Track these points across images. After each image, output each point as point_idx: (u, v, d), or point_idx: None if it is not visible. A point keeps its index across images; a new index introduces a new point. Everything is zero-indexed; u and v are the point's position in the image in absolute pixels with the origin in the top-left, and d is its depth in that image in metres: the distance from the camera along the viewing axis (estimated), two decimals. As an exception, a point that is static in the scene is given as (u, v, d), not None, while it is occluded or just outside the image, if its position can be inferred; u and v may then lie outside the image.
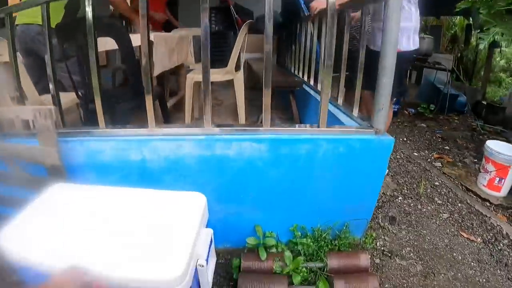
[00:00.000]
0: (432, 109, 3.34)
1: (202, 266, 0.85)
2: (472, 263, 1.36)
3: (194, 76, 2.03)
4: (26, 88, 1.36)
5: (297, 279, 1.15)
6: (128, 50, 1.53)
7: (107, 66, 2.82)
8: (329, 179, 1.25)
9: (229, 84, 2.18)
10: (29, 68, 1.75)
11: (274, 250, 1.26)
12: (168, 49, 2.01)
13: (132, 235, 0.87)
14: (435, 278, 1.27)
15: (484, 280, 1.27)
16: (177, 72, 2.67)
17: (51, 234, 0.89)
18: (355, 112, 1.47)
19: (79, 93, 1.60)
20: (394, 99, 2.15)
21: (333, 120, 1.51)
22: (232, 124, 1.21)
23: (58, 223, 0.94)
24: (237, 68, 2.12)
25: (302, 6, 2.40)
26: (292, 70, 2.69)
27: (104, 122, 1.19)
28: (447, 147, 2.55)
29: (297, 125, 1.24)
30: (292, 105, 2.18)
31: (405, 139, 2.78)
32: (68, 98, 1.65)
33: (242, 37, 1.97)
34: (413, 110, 3.43)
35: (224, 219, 1.25)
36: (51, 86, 1.22)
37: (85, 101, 1.50)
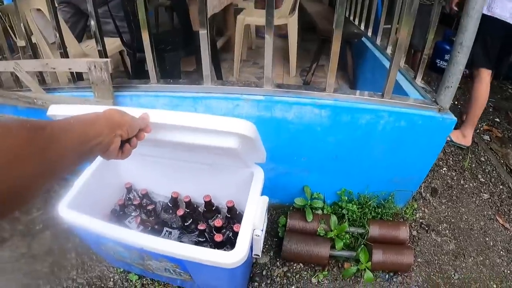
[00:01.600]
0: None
1: (258, 236, 0.89)
2: (501, 252, 1.37)
3: (245, 18, 1.85)
4: (66, 39, 1.30)
5: (339, 244, 1.21)
6: (182, 11, 1.39)
7: (148, 1, 2.60)
8: (384, 150, 1.21)
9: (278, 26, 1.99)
10: (65, 15, 1.66)
11: (319, 211, 1.31)
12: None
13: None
14: (464, 260, 1.31)
15: (509, 271, 1.29)
16: (224, 10, 2.45)
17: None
18: (419, 79, 1.35)
19: (124, 39, 1.52)
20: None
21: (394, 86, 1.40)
22: (294, 85, 1.12)
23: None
24: (291, 10, 1.90)
25: None
26: (347, 15, 2.41)
27: (156, 78, 1.15)
28: (497, 119, 2.39)
29: (360, 92, 1.14)
30: (348, 59, 2.01)
31: (455, 102, 2.61)
32: (112, 45, 1.58)
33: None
34: (466, 71, 3.12)
35: (274, 177, 1.27)
36: (96, 34, 1.15)
37: (131, 48, 1.44)
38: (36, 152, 0.34)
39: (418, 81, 1.35)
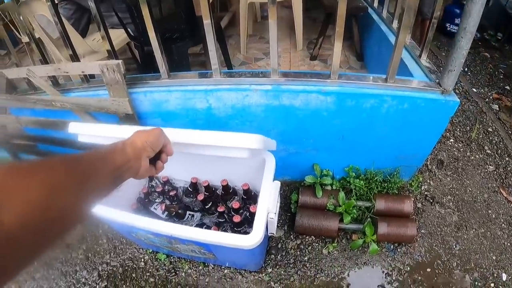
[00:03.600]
0: (500, 37, 2.98)
1: (272, 218, 1.02)
2: (503, 224, 1.48)
3: None
4: (73, 39, 1.37)
5: (347, 219, 1.35)
6: (188, 4, 1.43)
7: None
8: (388, 130, 1.30)
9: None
10: (67, 12, 1.70)
11: (329, 187, 1.44)
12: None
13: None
14: (466, 232, 1.44)
15: (509, 244, 1.41)
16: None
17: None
18: (424, 57, 1.39)
19: (130, 32, 1.58)
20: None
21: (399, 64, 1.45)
22: (299, 73, 1.20)
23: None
24: None
25: None
26: None
27: (166, 73, 1.23)
28: (507, 87, 2.41)
29: (363, 77, 1.21)
30: (354, 32, 2.03)
31: (466, 69, 2.63)
32: (119, 38, 1.64)
33: None
34: (478, 35, 3.08)
35: (285, 156, 1.39)
36: (100, 30, 1.22)
37: (138, 42, 1.50)
38: (74, 184, 0.38)
39: (424, 59, 1.40)
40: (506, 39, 2.94)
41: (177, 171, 1.35)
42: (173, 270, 1.40)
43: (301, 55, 2.20)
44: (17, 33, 2.29)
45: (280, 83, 1.18)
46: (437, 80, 1.23)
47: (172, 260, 1.43)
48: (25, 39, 2.34)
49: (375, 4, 1.92)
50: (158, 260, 1.44)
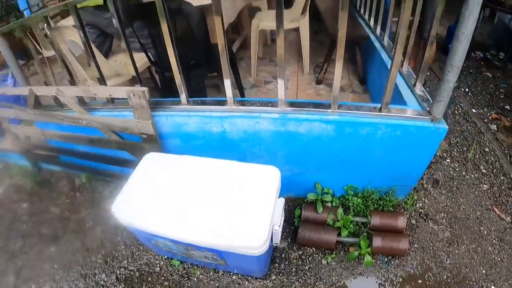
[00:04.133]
0: (502, 57, 3.24)
1: (277, 230, 1.28)
2: (494, 240, 1.70)
3: (260, 23, 2.16)
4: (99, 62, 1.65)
5: (344, 232, 1.61)
6: (203, 32, 1.72)
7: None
8: (383, 154, 1.56)
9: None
10: (91, 35, 1.99)
11: (329, 204, 1.70)
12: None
13: (222, 204, 1.29)
14: (458, 247, 1.67)
15: (499, 259, 1.62)
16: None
17: (154, 202, 1.34)
18: (418, 85, 1.65)
19: (150, 57, 1.86)
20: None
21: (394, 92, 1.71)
22: (303, 103, 1.47)
23: (158, 191, 1.38)
24: (303, 11, 2.19)
25: None
26: (358, 7, 2.65)
27: (186, 99, 1.51)
28: (507, 107, 2.65)
29: (360, 107, 1.47)
30: (357, 58, 2.29)
31: (467, 89, 2.88)
32: (141, 61, 1.93)
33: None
34: (481, 54, 3.34)
35: (290, 176, 1.65)
36: (127, 54, 1.50)
37: (159, 67, 1.79)
38: None
39: (418, 87, 1.65)
40: (508, 58, 3.20)
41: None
42: (186, 275, 1.66)
43: (308, 79, 2.49)
44: (37, 46, 2.60)
45: (286, 112, 1.45)
46: (428, 109, 1.48)
47: (185, 266, 1.69)
48: (45, 53, 2.66)
49: (377, 31, 2.19)
50: (173, 266, 1.70)
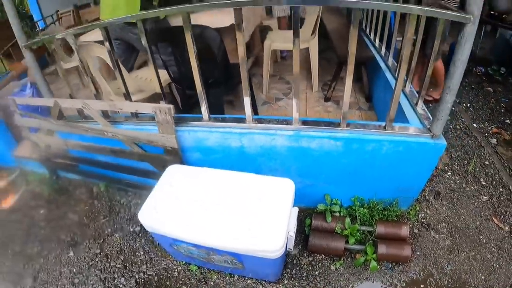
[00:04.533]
0: (503, 72, 3.52)
1: (291, 236, 1.51)
2: (493, 248, 1.92)
3: (272, 44, 2.42)
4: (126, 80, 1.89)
5: (352, 240, 1.83)
6: (222, 53, 1.97)
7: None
8: (387, 167, 1.79)
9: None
10: (117, 50, 2.24)
11: (337, 214, 1.93)
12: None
13: (242, 213, 1.52)
14: (458, 255, 1.89)
15: (497, 266, 1.84)
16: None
17: (178, 210, 1.56)
18: (420, 104, 1.90)
19: (171, 74, 2.11)
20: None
21: (398, 111, 1.96)
22: (316, 122, 1.71)
23: (182, 200, 1.61)
24: (312, 32, 2.45)
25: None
26: (364, 26, 2.92)
27: (207, 116, 1.75)
28: (508, 121, 2.91)
29: (366, 125, 1.71)
30: (363, 77, 2.55)
31: (468, 105, 3.14)
32: (162, 78, 2.16)
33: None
34: (482, 69, 3.62)
35: (301, 188, 1.87)
36: (149, 72, 1.74)
37: (180, 85, 2.03)
38: None
39: (419, 106, 1.90)
40: (509, 73, 3.47)
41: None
42: (203, 280, 1.88)
43: (316, 96, 2.75)
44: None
45: (300, 129, 1.69)
46: (428, 126, 1.72)
47: (202, 271, 1.91)
48: (67, 65, 2.89)
49: (382, 51, 2.45)
50: (190, 271, 1.92)
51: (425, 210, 2.12)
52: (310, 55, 2.50)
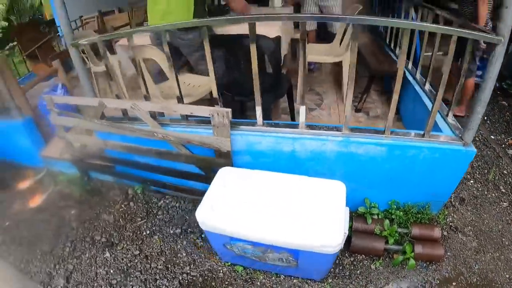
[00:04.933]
0: (516, 86, 4.06)
1: (345, 233, 1.85)
2: None
3: (308, 56, 2.78)
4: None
5: (391, 240, 2.19)
6: (275, 61, 2.31)
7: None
8: (423, 173, 2.17)
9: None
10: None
11: (376, 216, 2.29)
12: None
13: (298, 211, 1.85)
14: (484, 255, 2.29)
15: None
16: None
17: (235, 210, 1.87)
18: (450, 116, 2.31)
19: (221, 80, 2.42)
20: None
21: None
22: (363, 129, 2.07)
23: (238, 200, 1.92)
24: (346, 47, 2.84)
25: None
26: (387, 41, 3.36)
27: (261, 121, 2.08)
28: (525, 132, 3.40)
29: (407, 133, 2.09)
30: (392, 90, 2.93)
31: (485, 118, 3.62)
32: (207, 85, 2.48)
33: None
34: (497, 84, 4.14)
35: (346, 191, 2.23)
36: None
37: (230, 91, 2.35)
38: None
39: (450, 117, 2.30)
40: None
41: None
42: (249, 280, 2.18)
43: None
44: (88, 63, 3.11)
45: (349, 136, 2.04)
46: (460, 135, 2.12)
47: (248, 271, 2.21)
48: (93, 68, 3.16)
49: (409, 66, 2.88)
50: (236, 271, 2.21)
51: (452, 214, 2.51)
52: (342, 68, 2.89)
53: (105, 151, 2.53)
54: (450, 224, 2.45)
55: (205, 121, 2.21)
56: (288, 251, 1.86)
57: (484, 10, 2.83)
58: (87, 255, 2.40)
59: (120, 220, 2.56)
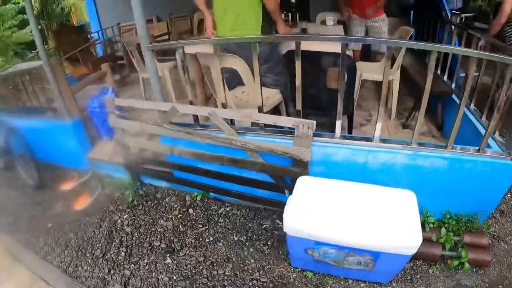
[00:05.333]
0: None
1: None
2: None
3: (362, 74, 3.24)
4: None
5: (447, 247, 2.66)
6: (352, 81, 2.72)
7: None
8: (474, 184, 2.67)
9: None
10: None
11: (431, 225, 2.75)
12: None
13: (378, 217, 2.27)
14: (525, 262, 2.84)
15: None
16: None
17: (319, 216, 2.26)
18: (497, 133, 2.84)
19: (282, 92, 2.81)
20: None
21: (478, 138, 2.87)
22: (429, 144, 2.53)
23: (321, 207, 2.30)
24: (397, 66, 3.32)
25: (445, 7, 3.55)
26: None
27: (340, 134, 2.49)
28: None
29: (465, 149, 2.58)
30: (438, 109, 3.45)
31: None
32: (274, 98, 2.85)
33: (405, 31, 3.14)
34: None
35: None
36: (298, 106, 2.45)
37: (292, 102, 2.73)
38: None
39: (496, 135, 2.84)
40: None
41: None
42: (320, 285, 2.55)
43: (394, 123, 3.65)
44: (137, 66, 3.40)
45: (417, 149, 2.50)
46: (508, 151, 2.64)
47: (318, 277, 2.58)
48: (141, 74, 3.42)
49: (453, 85, 3.43)
50: (306, 277, 2.58)
51: (494, 225, 3.04)
52: (392, 87, 3.39)
53: (166, 156, 2.81)
54: (493, 233, 2.97)
55: (281, 131, 2.58)
56: (370, 253, 2.26)
57: (509, 6, 3.19)
58: (145, 260, 2.66)
59: (180, 226, 2.84)
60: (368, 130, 3.54)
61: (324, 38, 2.48)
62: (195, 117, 2.68)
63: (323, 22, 4.45)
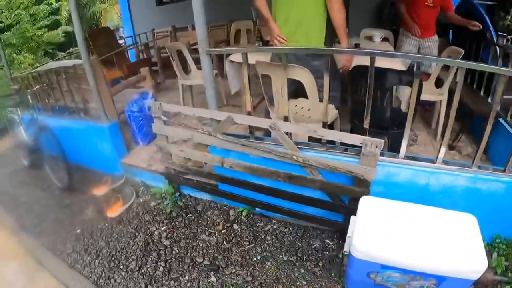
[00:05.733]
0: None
1: (486, 260, 2.55)
2: None
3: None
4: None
5: (498, 271, 2.94)
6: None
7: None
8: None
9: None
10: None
11: (483, 250, 3.04)
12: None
13: (443, 240, 2.50)
14: None
15: None
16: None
17: (386, 239, 2.48)
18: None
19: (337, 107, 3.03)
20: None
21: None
22: (487, 167, 2.81)
23: (387, 230, 2.52)
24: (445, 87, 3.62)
25: (490, 28, 3.90)
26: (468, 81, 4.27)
27: (404, 154, 2.72)
28: None
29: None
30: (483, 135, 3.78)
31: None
32: (332, 112, 3.04)
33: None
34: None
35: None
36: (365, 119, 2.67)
37: (358, 120, 2.95)
38: None
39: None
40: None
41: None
42: (374, 307, 2.75)
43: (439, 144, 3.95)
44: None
45: (478, 172, 2.77)
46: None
47: (370, 299, 2.78)
48: (185, 81, 3.55)
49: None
50: (359, 298, 2.77)
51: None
52: (440, 107, 3.71)
53: (214, 167, 2.94)
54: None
55: (342, 148, 2.79)
56: (436, 277, 2.49)
57: None
58: (187, 277, 2.79)
59: (224, 242, 2.97)
60: (415, 150, 3.82)
61: (400, 55, 2.71)
62: (251, 129, 2.83)
63: (367, 38, 4.77)
